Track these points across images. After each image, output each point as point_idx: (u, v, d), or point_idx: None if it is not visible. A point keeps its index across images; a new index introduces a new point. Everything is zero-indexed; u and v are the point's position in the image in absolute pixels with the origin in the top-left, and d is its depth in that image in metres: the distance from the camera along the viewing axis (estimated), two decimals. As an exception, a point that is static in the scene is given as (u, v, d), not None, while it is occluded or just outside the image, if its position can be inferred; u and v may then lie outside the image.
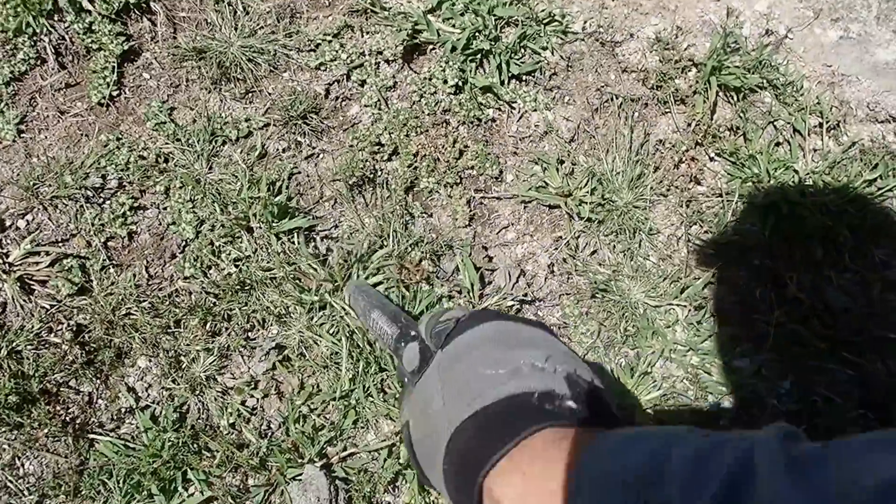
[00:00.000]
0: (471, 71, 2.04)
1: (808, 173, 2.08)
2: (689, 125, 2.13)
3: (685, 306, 2.00)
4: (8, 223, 1.71)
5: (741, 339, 1.99)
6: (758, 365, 1.97)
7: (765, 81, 2.15)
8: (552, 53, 2.11)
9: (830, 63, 2.25)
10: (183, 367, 1.73)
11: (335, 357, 1.77)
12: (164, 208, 1.82)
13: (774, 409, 1.92)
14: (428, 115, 2.00)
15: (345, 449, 1.76)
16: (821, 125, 2.15)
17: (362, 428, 1.77)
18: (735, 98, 2.15)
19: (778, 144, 2.15)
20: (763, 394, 1.94)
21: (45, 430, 1.62)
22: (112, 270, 1.75)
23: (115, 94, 1.85)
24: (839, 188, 2.07)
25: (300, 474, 1.69)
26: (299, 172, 1.92)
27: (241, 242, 1.81)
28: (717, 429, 1.89)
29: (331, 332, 1.78)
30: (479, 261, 1.93)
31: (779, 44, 2.24)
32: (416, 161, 1.95)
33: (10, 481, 1.60)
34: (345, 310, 1.76)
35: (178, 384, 1.72)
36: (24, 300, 1.67)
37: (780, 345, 1.99)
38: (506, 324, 0.86)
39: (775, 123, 2.16)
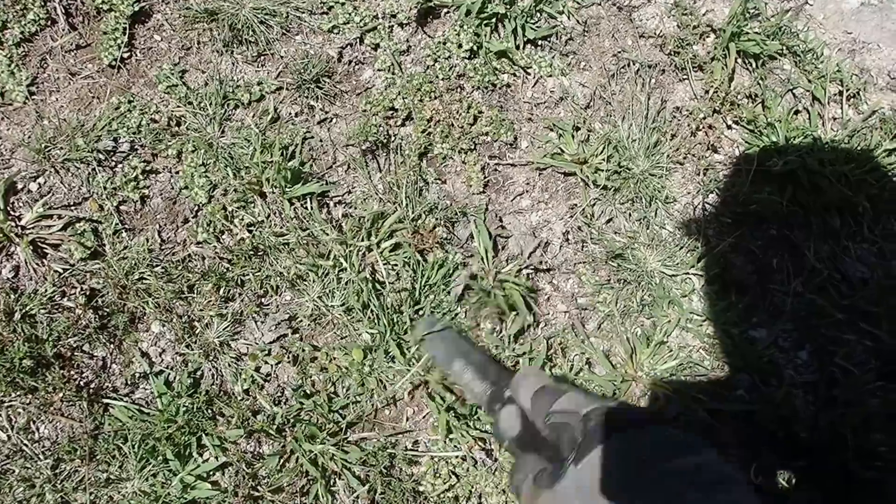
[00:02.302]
0: (486, 35, 2.00)
1: (827, 142, 2.05)
2: (707, 92, 2.09)
3: (701, 276, 1.98)
4: (20, 186, 1.69)
5: (758, 309, 1.97)
6: (775, 335, 1.95)
7: (784, 48, 2.11)
8: (568, 18, 2.07)
9: (851, 30, 2.21)
10: (196, 332, 1.72)
11: (351, 320, 1.75)
12: (177, 172, 1.80)
13: (792, 379, 1.90)
14: (442, 79, 1.96)
15: (364, 427, 1.75)
16: (841, 93, 2.11)
17: (379, 396, 1.76)
18: (754, 65, 2.11)
19: (797, 112, 2.12)
20: (780, 364, 1.92)
21: (60, 395, 1.60)
22: (125, 234, 1.73)
23: (126, 55, 1.82)
24: (858, 158, 2.04)
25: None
26: (312, 137, 1.89)
27: (253, 207, 1.79)
28: (733, 401, 1.89)
29: (346, 294, 1.76)
30: (493, 228, 1.91)
31: (799, 9, 2.19)
32: (430, 126, 1.92)
33: (26, 445, 1.59)
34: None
35: (192, 350, 1.70)
36: (37, 264, 1.65)
37: (798, 315, 1.97)
38: (636, 443, 0.81)
39: (794, 91, 2.13)
